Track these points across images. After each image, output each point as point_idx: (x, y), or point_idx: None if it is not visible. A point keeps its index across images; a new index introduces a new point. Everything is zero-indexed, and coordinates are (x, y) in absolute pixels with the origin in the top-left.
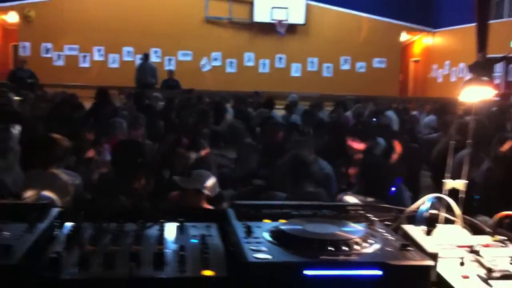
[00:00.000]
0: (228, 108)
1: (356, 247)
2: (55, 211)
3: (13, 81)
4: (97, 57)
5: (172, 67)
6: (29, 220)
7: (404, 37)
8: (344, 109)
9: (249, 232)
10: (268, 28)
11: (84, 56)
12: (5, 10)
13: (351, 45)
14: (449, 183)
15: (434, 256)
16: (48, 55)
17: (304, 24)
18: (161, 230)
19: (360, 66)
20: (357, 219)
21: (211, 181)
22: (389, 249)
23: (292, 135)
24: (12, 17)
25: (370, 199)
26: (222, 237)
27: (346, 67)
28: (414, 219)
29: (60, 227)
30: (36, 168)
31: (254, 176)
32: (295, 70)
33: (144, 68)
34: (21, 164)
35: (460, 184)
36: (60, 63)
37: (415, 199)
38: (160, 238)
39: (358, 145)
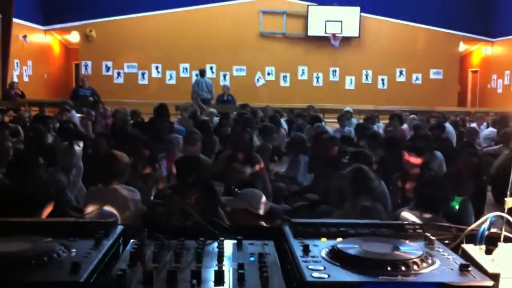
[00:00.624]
0: (282, 122)
1: (414, 267)
2: (119, 228)
3: (75, 99)
4: (155, 74)
5: (227, 82)
6: (96, 237)
7: (461, 47)
8: (400, 122)
9: (306, 250)
10: (322, 42)
11: (143, 74)
12: (68, 30)
13: (406, 56)
14: (510, 202)
15: (495, 277)
16: (109, 73)
17: (358, 37)
18: (220, 248)
19: (416, 77)
20: (415, 238)
21: (260, 199)
22: (448, 269)
23: (344, 149)
24: (74, 37)
25: (426, 215)
26: (279, 255)
27: (401, 79)
28: (474, 238)
29: (124, 244)
30: (98, 183)
31: (307, 190)
32: (349, 83)
33: (201, 83)
34: (83, 180)
35: None
36: (120, 80)
37: (478, 214)
38: (220, 256)
39: (415, 160)
